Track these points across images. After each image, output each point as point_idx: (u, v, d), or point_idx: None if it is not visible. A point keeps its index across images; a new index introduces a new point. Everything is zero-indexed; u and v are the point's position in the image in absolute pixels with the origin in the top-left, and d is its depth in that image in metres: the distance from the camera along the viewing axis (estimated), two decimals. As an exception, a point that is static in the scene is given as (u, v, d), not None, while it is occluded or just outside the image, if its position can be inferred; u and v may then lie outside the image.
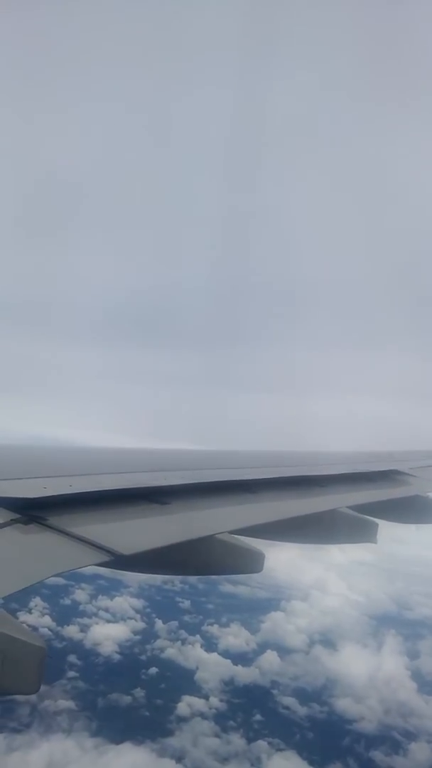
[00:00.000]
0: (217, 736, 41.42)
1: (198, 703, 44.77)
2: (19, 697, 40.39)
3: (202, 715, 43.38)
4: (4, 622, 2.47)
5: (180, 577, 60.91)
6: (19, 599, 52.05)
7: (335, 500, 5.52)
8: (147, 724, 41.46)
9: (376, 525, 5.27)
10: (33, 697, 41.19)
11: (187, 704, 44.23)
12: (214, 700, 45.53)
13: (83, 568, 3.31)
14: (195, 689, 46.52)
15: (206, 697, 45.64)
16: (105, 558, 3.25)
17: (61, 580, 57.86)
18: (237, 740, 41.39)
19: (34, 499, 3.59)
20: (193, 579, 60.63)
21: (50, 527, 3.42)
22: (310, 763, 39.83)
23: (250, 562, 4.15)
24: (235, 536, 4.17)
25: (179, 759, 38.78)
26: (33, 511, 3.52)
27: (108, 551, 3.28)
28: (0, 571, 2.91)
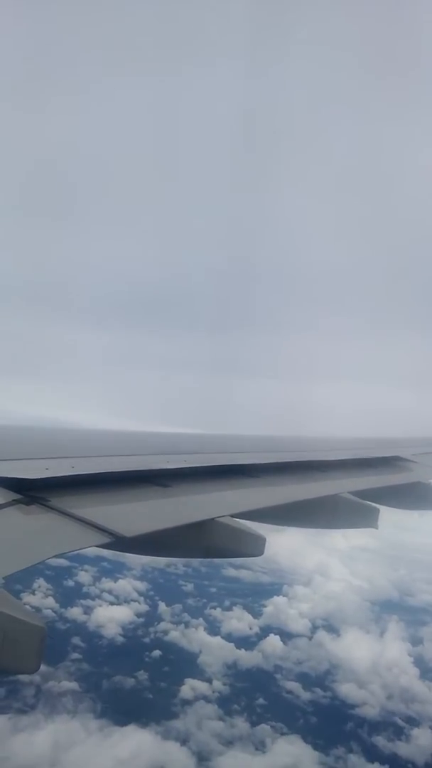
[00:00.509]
0: (221, 719, 41.78)
1: (201, 686, 45.16)
2: (24, 678, 40.84)
3: (206, 699, 43.78)
4: (5, 602, 2.47)
5: (183, 560, 61.29)
6: (23, 580, 52.49)
7: (337, 485, 5.52)
8: (151, 707, 41.81)
9: (378, 511, 5.27)
10: (37, 678, 41.65)
11: (190, 687, 44.62)
12: (218, 684, 45.92)
13: (86, 551, 3.32)
14: (198, 672, 46.96)
15: (209, 681, 46.04)
16: (106, 540, 3.25)
17: (64, 562, 58.27)
18: (241, 724, 41.76)
19: (36, 480, 3.59)
20: (195, 562, 60.98)
21: (52, 508, 3.42)
22: (315, 747, 40.14)
23: (251, 546, 4.13)
24: (237, 520, 4.17)
25: (184, 741, 39.07)
26: (35, 492, 3.52)
27: (110, 533, 3.28)
28: (1, 551, 2.91)
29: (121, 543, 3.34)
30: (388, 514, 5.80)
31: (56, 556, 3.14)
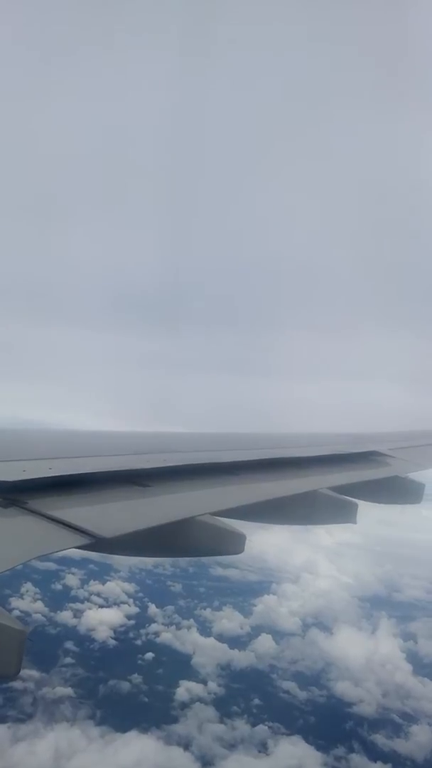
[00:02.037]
0: (221, 722, 41.58)
1: (197, 688, 44.96)
2: (19, 686, 40.53)
3: (201, 701, 43.58)
4: None
5: (170, 561, 61.25)
6: (10, 584, 52.17)
7: (315, 481, 5.56)
8: (150, 711, 41.56)
9: (356, 506, 5.31)
10: (31, 685, 41.35)
11: (185, 689, 44.41)
12: (213, 685, 45.74)
13: (73, 553, 3.31)
14: (192, 674, 46.76)
15: (204, 682, 45.84)
16: (86, 541, 3.25)
17: (52, 565, 58.00)
18: (242, 726, 41.59)
19: (13, 482, 3.58)
20: (183, 563, 60.92)
21: (30, 510, 3.42)
22: (317, 748, 40.04)
23: (232, 544, 4.13)
24: (217, 518, 4.18)
25: (186, 746, 38.77)
26: (12, 495, 3.51)
27: (89, 534, 3.28)
28: None
29: (100, 544, 3.33)
30: (370, 510, 5.86)
31: (35, 559, 3.14)
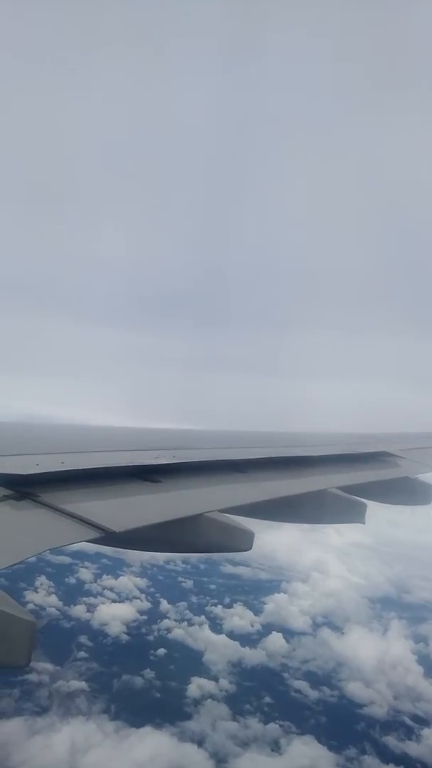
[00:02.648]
0: (235, 720, 41.56)
1: (208, 685, 45.00)
2: (33, 678, 40.82)
3: (213, 698, 43.60)
4: None
5: (182, 557, 61.42)
6: (25, 577, 52.55)
7: (325, 481, 5.58)
8: (163, 707, 41.67)
9: (365, 506, 5.33)
10: (46, 678, 41.63)
11: (197, 686, 44.48)
12: (224, 683, 45.74)
13: (87, 548, 3.36)
14: (204, 671, 46.84)
15: (216, 680, 45.88)
16: (96, 535, 3.30)
17: (66, 559, 58.38)
18: (255, 724, 41.50)
19: (26, 475, 3.65)
20: (194, 559, 61.03)
21: (42, 504, 3.48)
22: (330, 748, 39.88)
23: (240, 541, 4.18)
24: (226, 515, 4.22)
25: (200, 743, 38.79)
26: (25, 488, 3.59)
27: (100, 528, 3.33)
28: None
29: (111, 538, 3.39)
30: (379, 510, 5.88)
31: (47, 551, 3.19)
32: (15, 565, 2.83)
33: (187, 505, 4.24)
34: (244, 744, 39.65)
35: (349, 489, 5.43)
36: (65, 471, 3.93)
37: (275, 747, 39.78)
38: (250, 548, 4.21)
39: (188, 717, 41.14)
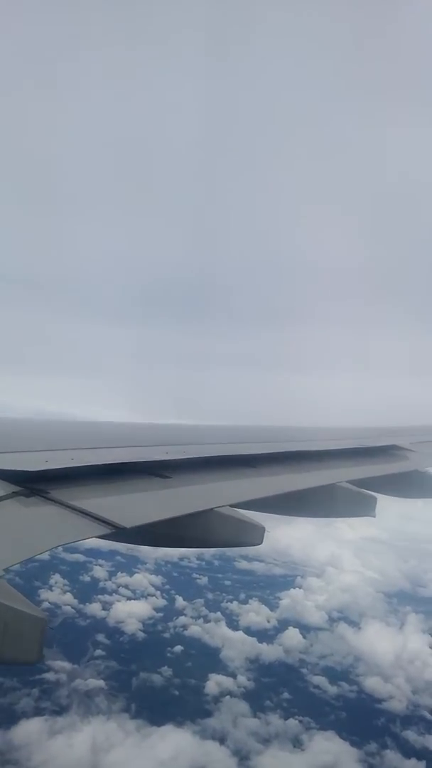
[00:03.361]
0: (256, 716, 41.44)
1: (226, 681, 44.95)
2: (52, 677, 41.15)
3: (231, 694, 43.52)
4: (6, 594, 2.54)
5: (196, 554, 61.48)
6: (39, 576, 52.83)
7: (335, 474, 5.58)
8: (182, 705, 41.70)
9: (375, 499, 5.33)
10: (64, 677, 41.77)
11: (215, 683, 44.44)
12: (242, 679, 45.66)
13: (100, 545, 3.37)
14: (221, 668, 46.80)
15: (234, 676, 45.81)
16: (106, 531, 3.32)
17: (80, 557, 58.71)
18: (276, 721, 41.35)
19: (36, 472, 3.70)
20: (208, 555, 61.05)
21: (52, 500, 3.52)
22: (352, 743, 39.69)
23: (251, 535, 4.20)
24: (236, 510, 4.23)
25: (222, 740, 38.68)
26: (35, 484, 3.62)
27: (109, 524, 3.36)
28: (2, 542, 2.99)
29: (121, 534, 3.41)
30: (387, 503, 5.86)
31: (57, 548, 3.21)
32: (26, 560, 2.84)
33: (197, 500, 4.26)
34: (266, 741, 39.53)
35: (359, 483, 5.43)
36: (75, 467, 3.96)
37: (297, 743, 39.65)
38: (261, 543, 4.22)
39: (209, 714, 41.11)
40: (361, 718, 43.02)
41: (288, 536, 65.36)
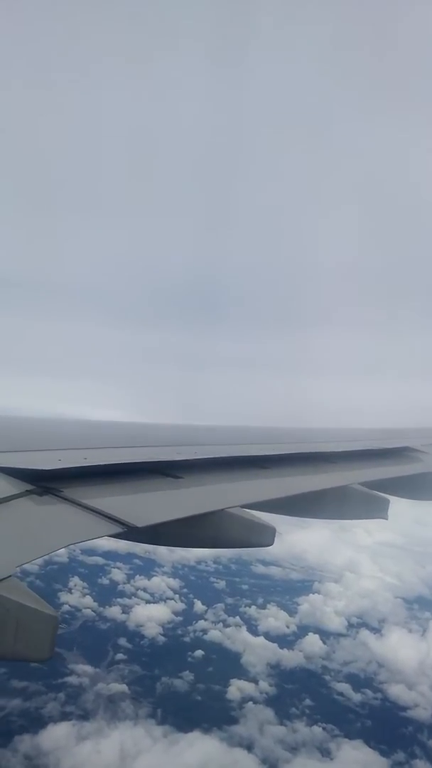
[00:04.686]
0: (282, 724, 40.92)
1: (248, 687, 44.61)
2: (75, 681, 41.23)
3: (253, 700, 43.13)
4: (18, 591, 2.57)
5: (213, 557, 61.36)
6: (59, 578, 53.07)
7: (347, 476, 5.55)
8: (207, 710, 41.39)
9: (388, 501, 5.30)
10: (87, 681, 41.86)
11: (237, 688, 44.14)
12: (264, 685, 45.31)
13: (118, 548, 3.39)
14: (243, 673, 46.51)
15: (255, 682, 45.47)
16: (118, 530, 3.35)
17: (99, 560, 58.89)
18: (302, 728, 40.83)
19: (49, 470, 3.74)
20: (225, 559, 60.89)
21: (65, 499, 3.56)
22: (381, 753, 39.10)
23: (262, 536, 4.18)
24: (247, 510, 4.25)
25: (249, 748, 38.28)
26: (48, 483, 3.67)
27: (121, 523, 3.39)
28: (15, 541, 3.02)
29: (132, 533, 3.44)
30: (401, 507, 5.84)
31: (69, 546, 3.24)
32: (44, 563, 2.85)
33: (208, 500, 4.27)
34: (293, 749, 39.00)
35: (371, 484, 5.41)
36: (87, 466, 4.00)
37: (325, 752, 39.01)
38: (272, 544, 4.22)
39: (234, 721, 40.71)
40: (387, 726, 42.35)
41: (304, 541, 65.01)
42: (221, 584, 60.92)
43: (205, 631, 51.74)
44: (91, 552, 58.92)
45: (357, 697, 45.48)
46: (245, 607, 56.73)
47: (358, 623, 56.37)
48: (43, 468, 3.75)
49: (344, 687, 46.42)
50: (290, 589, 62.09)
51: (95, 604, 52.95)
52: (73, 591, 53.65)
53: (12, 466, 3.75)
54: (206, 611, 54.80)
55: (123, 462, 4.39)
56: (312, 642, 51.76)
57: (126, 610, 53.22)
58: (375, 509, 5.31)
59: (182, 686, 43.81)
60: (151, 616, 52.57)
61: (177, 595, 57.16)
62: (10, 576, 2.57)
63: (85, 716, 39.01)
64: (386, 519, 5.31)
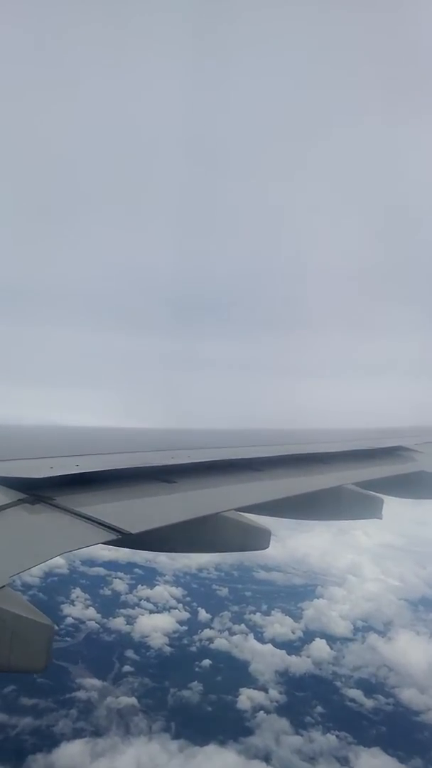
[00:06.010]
0: (298, 733, 40.26)
1: (258, 696, 44.02)
2: (83, 696, 40.59)
3: (264, 709, 42.48)
4: (12, 601, 2.57)
5: (215, 564, 61.01)
6: (61, 590, 52.71)
7: (340, 477, 5.58)
8: (219, 722, 40.73)
9: (382, 501, 5.32)
10: (95, 695, 41.17)
11: (247, 697, 43.56)
12: (274, 693, 44.73)
13: (119, 557, 3.36)
14: (252, 681, 45.96)
15: (265, 690, 44.90)
16: (112, 537, 3.36)
17: (100, 570, 58.51)
18: (319, 737, 40.15)
19: (41, 479, 3.75)
20: (227, 566, 60.49)
21: (57, 507, 3.57)
22: (399, 760, 38.36)
23: (257, 539, 4.20)
24: (242, 514, 4.25)
25: (267, 759, 37.57)
26: (40, 491, 3.68)
27: (115, 530, 3.40)
28: (8, 550, 3.03)
29: (127, 540, 3.45)
30: (396, 507, 5.85)
31: (63, 554, 3.23)
32: (45, 575, 2.83)
33: (202, 505, 4.29)
34: (311, 759, 38.33)
35: (365, 484, 5.43)
36: (79, 473, 4.01)
37: (344, 761, 38.30)
38: (268, 546, 4.23)
39: (249, 732, 40.02)
40: (402, 732, 41.72)
41: (304, 545, 64.77)
42: (224, 591, 60.43)
43: (211, 640, 51.17)
44: (91, 563, 58.57)
45: (369, 703, 44.87)
46: (250, 614, 56.20)
47: (364, 627, 55.89)
48: (35, 476, 3.75)
49: (356, 693, 45.81)
50: (294, 595, 61.63)
51: (98, 615, 52.37)
52: (75, 603, 53.14)
53: (3, 475, 3.75)
54: (212, 619, 54.23)
55: (116, 468, 4.40)
56: (319, 647, 51.21)
57: (130, 620, 52.63)
58: (369, 509, 5.32)
59: (193, 697, 43.17)
60: (155, 626, 51.95)
61: (180, 604, 56.62)
62: (4, 586, 2.57)
63: (97, 732, 38.29)
64: (381, 518, 5.33)
